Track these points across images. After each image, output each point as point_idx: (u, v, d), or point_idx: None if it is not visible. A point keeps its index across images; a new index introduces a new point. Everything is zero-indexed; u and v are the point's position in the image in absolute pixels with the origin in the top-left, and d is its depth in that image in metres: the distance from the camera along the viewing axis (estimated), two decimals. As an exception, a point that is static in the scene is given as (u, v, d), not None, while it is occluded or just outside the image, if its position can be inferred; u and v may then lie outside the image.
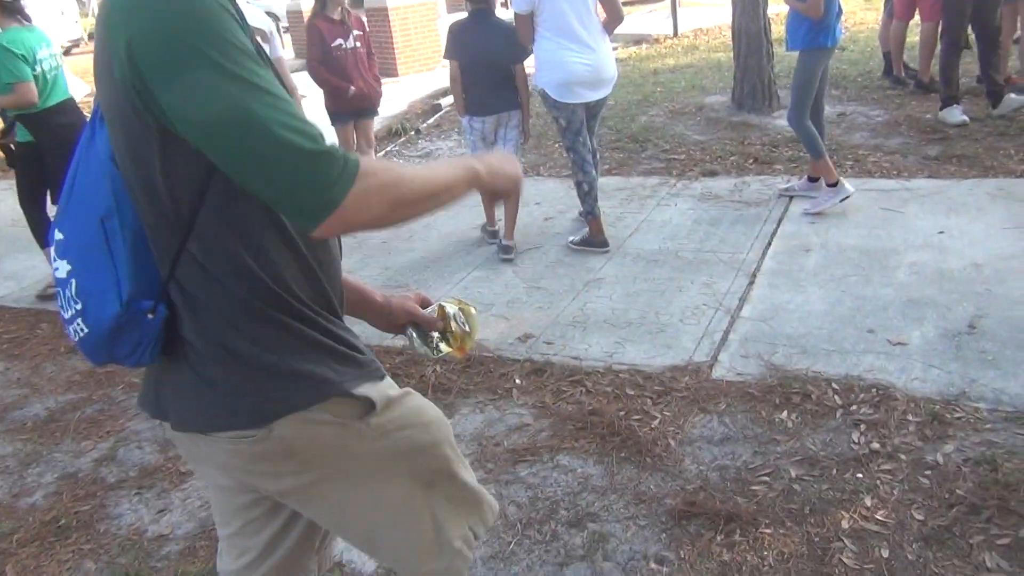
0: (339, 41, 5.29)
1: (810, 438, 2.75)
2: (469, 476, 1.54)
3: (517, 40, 4.51)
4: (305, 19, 5.91)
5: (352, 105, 5.40)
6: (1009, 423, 2.69)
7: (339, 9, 5.30)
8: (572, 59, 4.29)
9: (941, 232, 4.19)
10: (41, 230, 4.80)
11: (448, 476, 1.49)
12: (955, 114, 5.85)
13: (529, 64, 4.60)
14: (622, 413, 3.01)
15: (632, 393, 3.14)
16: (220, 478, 1.45)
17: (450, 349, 1.66)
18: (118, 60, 1.09)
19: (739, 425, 2.87)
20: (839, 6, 4.49)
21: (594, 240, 4.58)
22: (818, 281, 3.85)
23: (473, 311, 1.71)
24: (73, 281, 1.23)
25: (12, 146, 4.74)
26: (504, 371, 3.45)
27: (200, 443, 1.32)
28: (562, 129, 4.51)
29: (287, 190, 1.08)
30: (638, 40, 11.81)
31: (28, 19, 4.65)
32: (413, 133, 7.70)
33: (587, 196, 4.54)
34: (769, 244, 4.33)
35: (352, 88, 5.31)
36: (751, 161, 5.71)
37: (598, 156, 4.82)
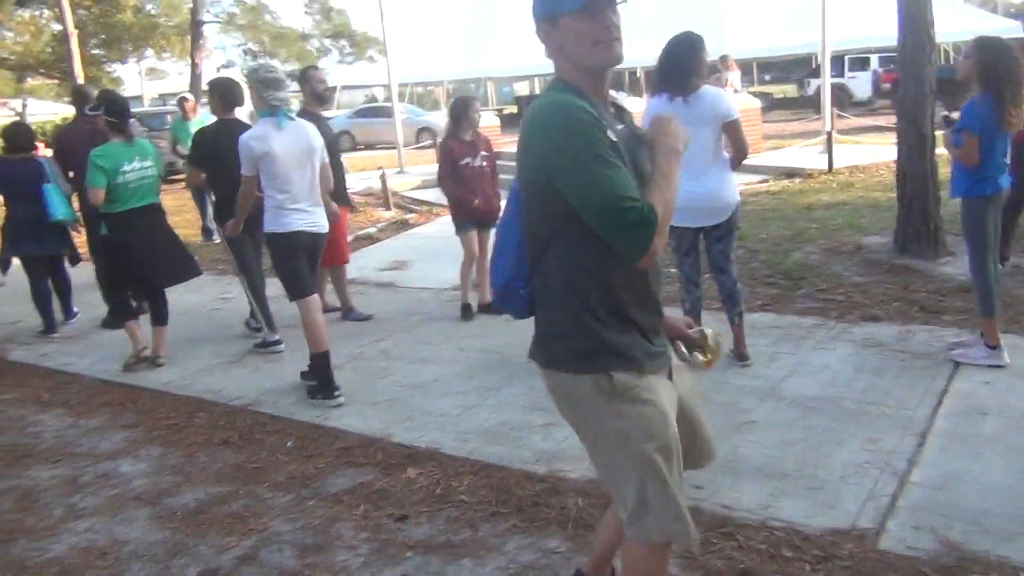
0: (467, 159, 6.00)
1: (996, 633, 2.47)
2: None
3: None
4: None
5: (476, 216, 6.09)
6: None
7: (470, 131, 6.02)
8: (684, 186, 4.52)
9: None
10: (122, 309, 5.80)
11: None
12: None
13: None
14: (778, 576, 2.80)
15: (789, 555, 2.92)
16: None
17: (704, 359, 2.38)
18: (537, 161, 1.95)
19: (912, 607, 2.61)
20: (1004, 154, 4.31)
21: None
22: (998, 450, 3.54)
23: (720, 340, 2.48)
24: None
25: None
26: (649, 512, 3.30)
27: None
28: (672, 248, 4.80)
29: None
30: (790, 174, 11.70)
31: (130, 137, 5.49)
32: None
33: (687, 313, 4.75)
34: (939, 402, 4.04)
35: (476, 201, 6.00)
36: (917, 309, 5.44)
37: (738, 286, 4.81)
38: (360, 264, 8.57)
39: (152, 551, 3.32)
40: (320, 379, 4.78)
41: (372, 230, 10.41)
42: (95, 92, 6.81)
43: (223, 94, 5.64)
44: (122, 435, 4.52)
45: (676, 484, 2.09)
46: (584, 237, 1.94)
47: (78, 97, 7.09)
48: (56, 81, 26.02)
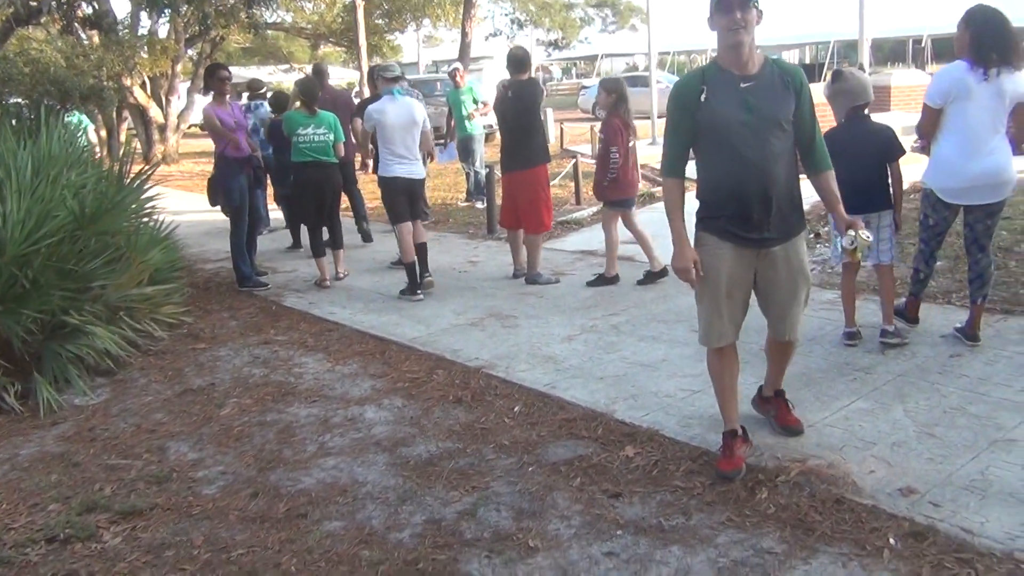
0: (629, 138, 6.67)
1: None
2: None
3: (891, 140, 4.66)
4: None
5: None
6: None
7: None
8: (968, 164, 4.32)
9: None
10: (315, 248, 7.54)
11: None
12: None
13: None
14: (1021, 617, 2.53)
15: (1038, 596, 2.62)
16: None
17: (854, 250, 3.44)
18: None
19: None
20: None
21: (907, 316, 4.97)
22: None
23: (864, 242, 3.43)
24: None
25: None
26: (877, 525, 3.09)
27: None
28: (926, 226, 4.70)
29: None
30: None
31: (312, 112, 7.21)
32: (812, 236, 7.39)
33: (919, 283, 4.92)
34: None
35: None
36: None
37: (992, 268, 4.71)
38: (601, 236, 8.63)
39: (385, 495, 3.61)
40: (409, 282, 6.66)
41: (618, 202, 10.39)
42: (327, 70, 10.08)
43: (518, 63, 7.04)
44: (370, 383, 4.93)
45: (714, 310, 3.49)
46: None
47: (316, 73, 9.51)
48: (343, 48, 28.24)
